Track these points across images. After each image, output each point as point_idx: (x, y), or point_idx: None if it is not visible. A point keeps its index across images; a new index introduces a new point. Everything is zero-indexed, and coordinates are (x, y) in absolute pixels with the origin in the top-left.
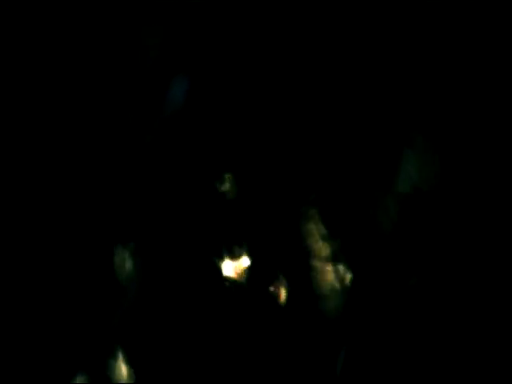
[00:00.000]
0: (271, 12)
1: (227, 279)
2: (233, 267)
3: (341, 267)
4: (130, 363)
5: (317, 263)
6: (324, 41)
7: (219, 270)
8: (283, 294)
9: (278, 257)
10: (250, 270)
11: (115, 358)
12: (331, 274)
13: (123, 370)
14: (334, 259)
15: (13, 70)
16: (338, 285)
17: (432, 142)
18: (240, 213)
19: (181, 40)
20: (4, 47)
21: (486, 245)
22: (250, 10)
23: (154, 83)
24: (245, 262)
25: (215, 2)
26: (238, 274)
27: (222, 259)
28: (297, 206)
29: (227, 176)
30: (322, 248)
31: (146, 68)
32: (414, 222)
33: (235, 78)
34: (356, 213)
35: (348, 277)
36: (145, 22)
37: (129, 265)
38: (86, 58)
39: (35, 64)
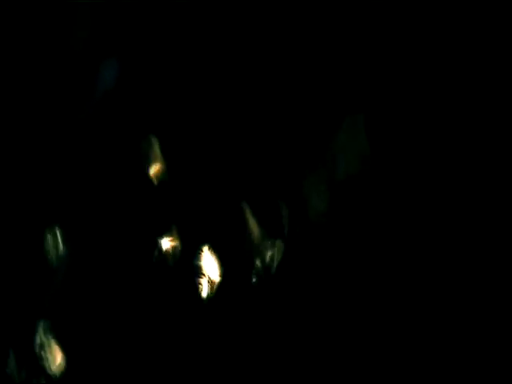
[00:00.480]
0: None
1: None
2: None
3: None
4: (60, 344)
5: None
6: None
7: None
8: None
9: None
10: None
11: (44, 338)
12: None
13: (53, 350)
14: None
15: None
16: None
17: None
18: (171, 195)
19: (110, 24)
20: None
21: (419, 229)
22: None
23: (85, 67)
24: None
25: None
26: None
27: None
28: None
29: (158, 159)
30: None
31: (76, 52)
32: (346, 207)
33: (164, 58)
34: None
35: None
36: (74, 6)
37: (59, 247)
38: (13, 40)
39: None
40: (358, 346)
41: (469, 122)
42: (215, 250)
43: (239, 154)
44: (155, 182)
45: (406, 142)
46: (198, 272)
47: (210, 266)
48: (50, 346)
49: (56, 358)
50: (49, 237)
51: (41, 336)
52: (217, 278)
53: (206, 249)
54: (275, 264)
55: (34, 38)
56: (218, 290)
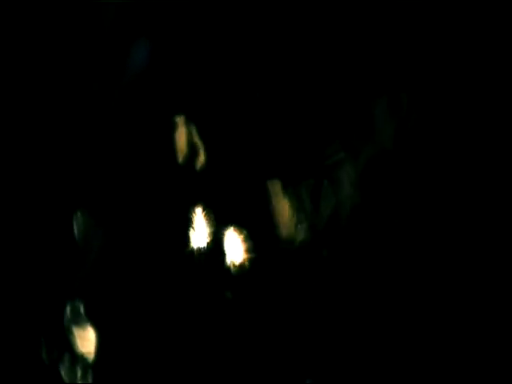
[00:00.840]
0: None
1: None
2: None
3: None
4: (90, 325)
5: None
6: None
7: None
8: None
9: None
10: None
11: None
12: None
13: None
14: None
15: None
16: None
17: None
18: (206, 182)
19: (140, 2)
20: None
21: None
22: None
23: (115, 47)
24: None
25: None
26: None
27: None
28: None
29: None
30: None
31: (105, 33)
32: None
33: (198, 41)
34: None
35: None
36: None
37: (90, 228)
38: (42, 26)
39: None
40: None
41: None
42: (241, 230)
43: (268, 135)
44: (182, 162)
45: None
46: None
47: (234, 246)
48: (80, 326)
49: (86, 338)
50: (79, 218)
51: (71, 316)
52: (240, 259)
53: (231, 229)
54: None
55: (62, 19)
56: (242, 270)
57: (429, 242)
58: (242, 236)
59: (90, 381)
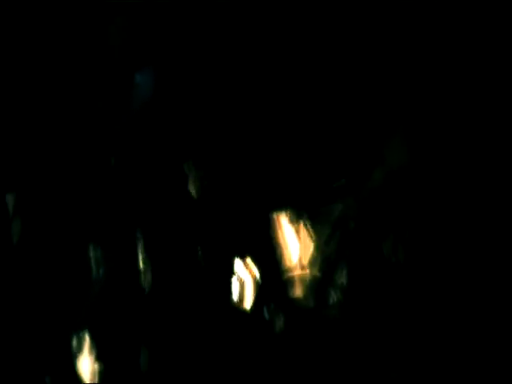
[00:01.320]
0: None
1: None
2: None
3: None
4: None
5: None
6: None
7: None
8: None
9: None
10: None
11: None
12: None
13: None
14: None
15: None
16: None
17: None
18: (206, 212)
19: (146, 32)
20: None
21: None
22: (214, 3)
23: (120, 77)
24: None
25: None
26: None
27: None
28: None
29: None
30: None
31: (111, 62)
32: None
33: (202, 70)
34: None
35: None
36: (109, 15)
37: (99, 259)
38: (48, 54)
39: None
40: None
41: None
42: (248, 259)
43: (272, 165)
44: (194, 195)
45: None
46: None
47: (242, 273)
48: (86, 356)
49: (93, 370)
50: (90, 249)
51: (77, 345)
52: (249, 285)
53: (237, 259)
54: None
55: (68, 47)
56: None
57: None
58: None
59: None
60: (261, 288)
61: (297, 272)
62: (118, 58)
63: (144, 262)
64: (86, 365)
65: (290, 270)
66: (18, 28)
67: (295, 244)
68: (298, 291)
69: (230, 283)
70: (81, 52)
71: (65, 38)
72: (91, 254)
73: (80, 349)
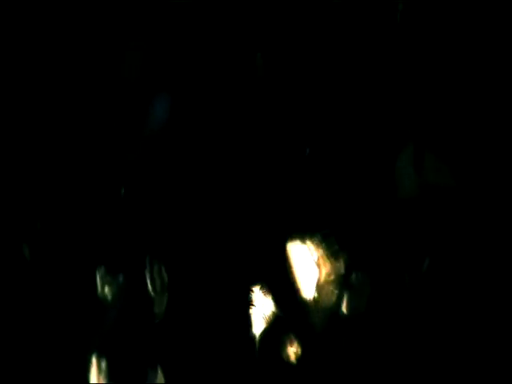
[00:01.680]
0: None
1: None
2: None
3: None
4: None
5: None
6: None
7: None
8: None
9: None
10: None
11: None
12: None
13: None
14: None
15: None
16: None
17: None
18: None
19: (162, 59)
20: None
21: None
22: (227, 29)
23: (137, 102)
24: None
25: (194, 23)
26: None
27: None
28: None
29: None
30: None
31: (128, 87)
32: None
33: (217, 95)
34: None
35: None
36: (125, 42)
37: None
38: (65, 82)
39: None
40: None
41: None
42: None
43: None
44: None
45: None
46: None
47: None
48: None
49: None
50: (101, 275)
51: (94, 372)
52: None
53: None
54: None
55: (86, 73)
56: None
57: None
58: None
59: None
60: (277, 317)
61: (312, 298)
62: (133, 84)
63: (158, 289)
64: None
65: (305, 296)
66: (40, 56)
67: (310, 270)
68: (313, 317)
69: (247, 313)
70: (97, 79)
71: (83, 64)
72: (104, 280)
73: (95, 372)
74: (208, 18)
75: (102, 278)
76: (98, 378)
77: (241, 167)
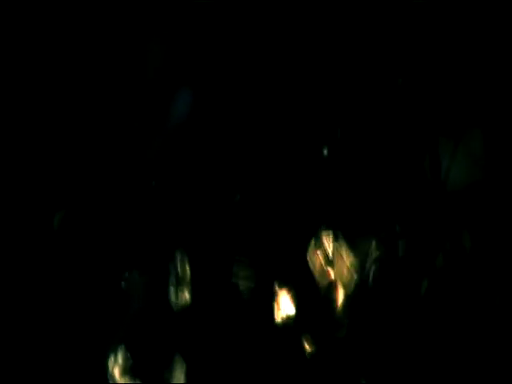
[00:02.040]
0: (276, 25)
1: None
2: None
3: None
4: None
5: None
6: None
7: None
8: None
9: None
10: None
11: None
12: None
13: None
14: None
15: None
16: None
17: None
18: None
19: (184, 53)
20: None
21: None
22: (253, 24)
23: (158, 96)
24: None
25: (218, 15)
26: None
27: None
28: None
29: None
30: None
31: (149, 81)
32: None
33: (240, 90)
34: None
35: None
36: (148, 35)
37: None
38: (88, 74)
39: (37, 76)
40: None
41: None
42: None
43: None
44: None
45: None
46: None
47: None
48: (123, 377)
49: None
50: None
51: (114, 366)
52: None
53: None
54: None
55: (107, 68)
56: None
57: None
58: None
59: None
60: (299, 313)
61: (334, 295)
62: (155, 78)
63: (181, 284)
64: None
65: (327, 292)
66: (57, 47)
67: (333, 267)
68: (335, 314)
69: (271, 308)
70: (119, 72)
71: (104, 57)
72: (128, 275)
73: (117, 366)
74: (232, 14)
75: (126, 272)
76: (119, 370)
77: (265, 161)
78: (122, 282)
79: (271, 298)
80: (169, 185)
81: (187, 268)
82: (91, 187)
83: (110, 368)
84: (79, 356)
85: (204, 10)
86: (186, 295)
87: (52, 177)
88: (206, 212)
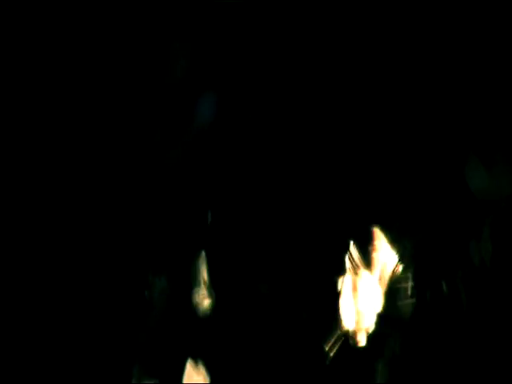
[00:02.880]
0: (298, 32)
1: None
2: None
3: None
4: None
5: None
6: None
7: None
8: None
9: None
10: None
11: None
12: None
13: None
14: None
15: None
16: None
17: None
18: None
19: (209, 57)
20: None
21: None
22: (276, 29)
23: (183, 100)
24: None
25: (242, 20)
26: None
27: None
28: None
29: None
30: None
31: (174, 85)
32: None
33: (263, 95)
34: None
35: None
36: (173, 39)
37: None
38: (115, 78)
39: (62, 82)
40: None
41: None
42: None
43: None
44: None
45: None
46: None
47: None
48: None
49: None
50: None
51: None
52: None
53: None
54: None
55: (133, 71)
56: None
57: None
58: None
59: None
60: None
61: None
62: (180, 82)
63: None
64: None
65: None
66: (83, 53)
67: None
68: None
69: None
70: (145, 77)
71: (130, 62)
72: (151, 279)
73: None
74: (258, 17)
75: (149, 277)
76: (143, 372)
77: (294, 164)
78: (146, 287)
79: (294, 300)
80: (192, 188)
81: (207, 271)
82: (113, 191)
83: (135, 370)
84: (105, 358)
85: (228, 12)
86: (208, 298)
87: (72, 182)
88: (229, 215)
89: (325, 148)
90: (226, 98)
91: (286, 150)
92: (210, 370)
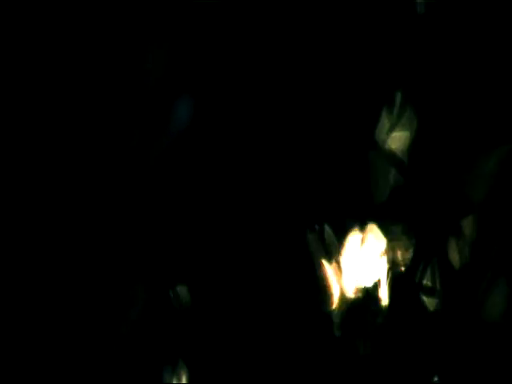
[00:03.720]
0: (281, 32)
1: None
2: None
3: None
4: None
5: None
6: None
7: None
8: None
9: None
10: None
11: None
12: None
13: None
14: None
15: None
16: None
17: None
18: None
19: (185, 60)
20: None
21: None
22: (254, 31)
23: (158, 104)
24: None
25: (218, 22)
26: None
27: None
28: None
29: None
30: None
31: (150, 88)
32: None
33: (240, 98)
34: None
35: None
36: (148, 42)
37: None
38: (88, 81)
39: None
40: None
41: None
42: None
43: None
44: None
45: None
46: None
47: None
48: None
49: None
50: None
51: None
52: None
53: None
54: None
55: (107, 75)
56: None
57: None
58: None
59: None
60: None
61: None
62: (156, 85)
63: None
64: None
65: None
66: (56, 52)
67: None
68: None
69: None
70: (120, 80)
71: (104, 64)
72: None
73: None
74: (234, 18)
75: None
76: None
77: (271, 168)
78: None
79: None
80: (168, 192)
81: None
82: (88, 196)
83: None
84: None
85: (205, 13)
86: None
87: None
88: (206, 219)
89: (305, 151)
90: (202, 100)
91: (264, 153)
92: (191, 370)
